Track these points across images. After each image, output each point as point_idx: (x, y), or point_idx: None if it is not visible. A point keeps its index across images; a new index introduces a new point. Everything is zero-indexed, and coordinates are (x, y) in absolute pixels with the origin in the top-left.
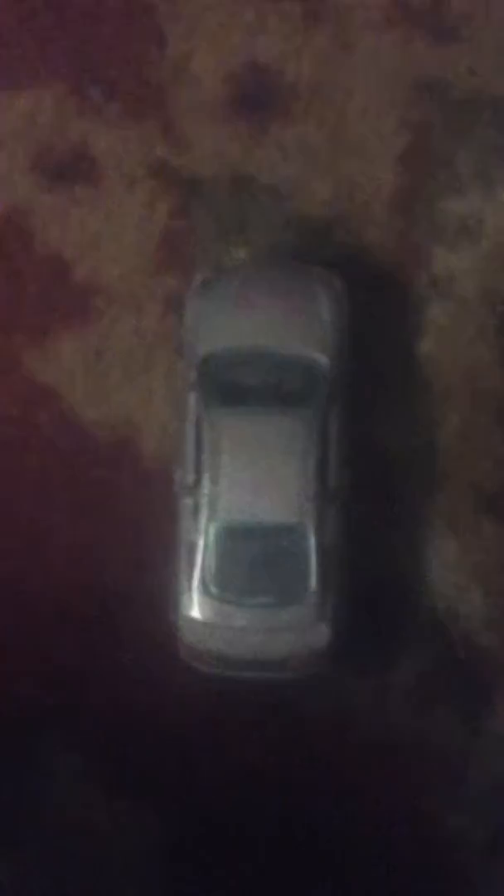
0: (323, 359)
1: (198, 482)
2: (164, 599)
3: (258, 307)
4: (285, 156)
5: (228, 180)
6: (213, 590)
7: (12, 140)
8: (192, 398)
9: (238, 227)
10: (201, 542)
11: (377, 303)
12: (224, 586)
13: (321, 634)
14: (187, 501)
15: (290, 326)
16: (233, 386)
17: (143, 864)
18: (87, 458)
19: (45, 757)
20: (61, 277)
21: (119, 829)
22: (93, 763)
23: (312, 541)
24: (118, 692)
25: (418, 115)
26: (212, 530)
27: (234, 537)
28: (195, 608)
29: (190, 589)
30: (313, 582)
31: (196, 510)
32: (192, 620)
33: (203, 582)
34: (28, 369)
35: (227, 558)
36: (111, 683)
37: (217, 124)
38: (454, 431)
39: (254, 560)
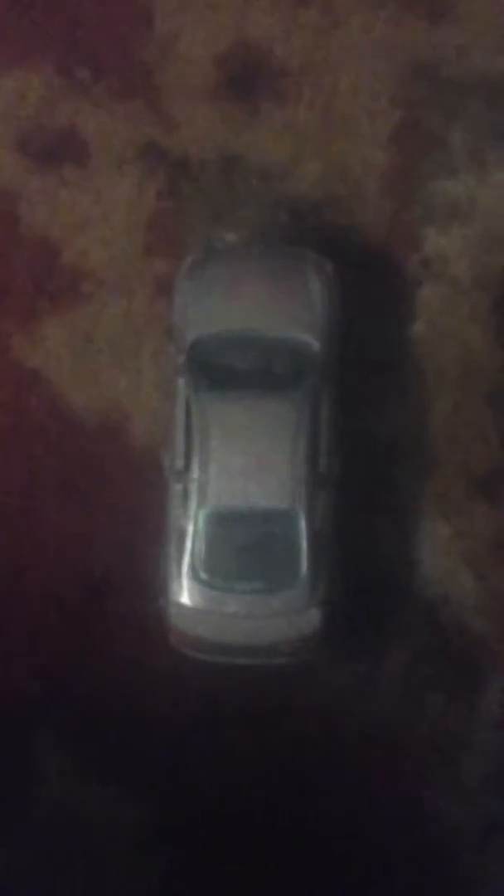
0: (313, 342)
1: (187, 467)
2: (155, 585)
3: (248, 290)
4: (275, 136)
5: (218, 161)
6: (203, 576)
7: None
8: (181, 382)
9: (228, 208)
10: (191, 528)
11: (368, 285)
12: (214, 572)
13: (312, 620)
14: (177, 487)
15: (281, 309)
16: (222, 370)
17: (136, 853)
18: (77, 442)
19: (36, 746)
20: (49, 260)
21: (111, 818)
22: (84, 751)
23: (303, 526)
24: (109, 679)
25: (410, 95)
26: (201, 516)
27: (224, 523)
28: (185, 594)
29: (180, 575)
30: (304, 567)
31: (186, 495)
32: (183, 606)
33: (193, 568)
34: (16, 354)
35: (217, 544)
36: (101, 670)
37: (206, 104)
38: (446, 414)
39: (244, 545)
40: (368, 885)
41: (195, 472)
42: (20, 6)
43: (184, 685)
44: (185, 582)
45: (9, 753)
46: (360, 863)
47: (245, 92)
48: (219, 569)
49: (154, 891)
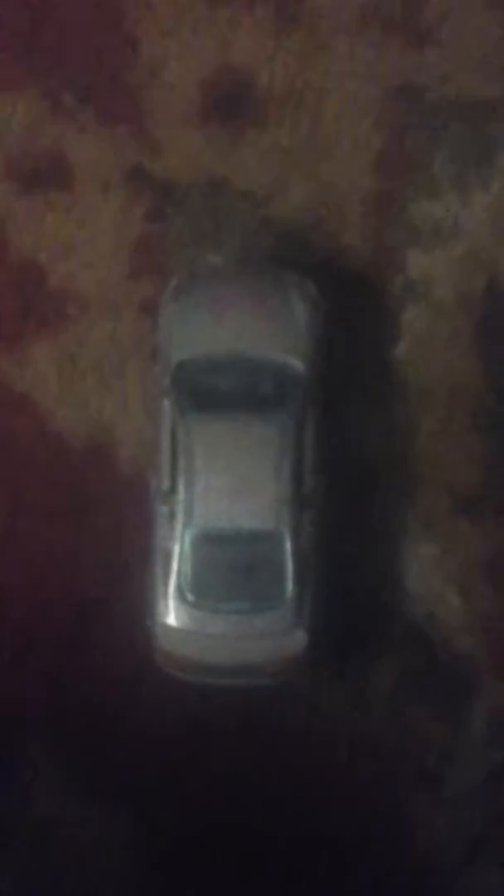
0: (298, 364)
1: (173, 488)
2: (141, 606)
3: (233, 312)
4: (260, 160)
5: (203, 185)
6: (189, 596)
7: None
8: (166, 404)
9: (213, 231)
10: (177, 549)
11: (353, 307)
12: (200, 593)
13: (298, 640)
14: (163, 508)
15: (265, 332)
16: (207, 391)
17: (124, 870)
18: (63, 464)
19: (23, 763)
20: (36, 284)
21: (99, 835)
22: (71, 769)
23: (288, 546)
24: (95, 699)
25: (394, 119)
26: (187, 537)
27: (210, 544)
28: (171, 615)
29: (166, 596)
30: (290, 587)
31: (172, 516)
32: (169, 627)
33: (179, 589)
34: (3, 376)
35: (203, 565)
36: (88, 690)
37: (192, 129)
38: (430, 435)
39: (230, 566)
40: None
41: (181, 494)
42: (4, 31)
43: (171, 705)
44: (172, 603)
45: None
46: (346, 878)
47: (230, 116)
48: (205, 590)
49: None
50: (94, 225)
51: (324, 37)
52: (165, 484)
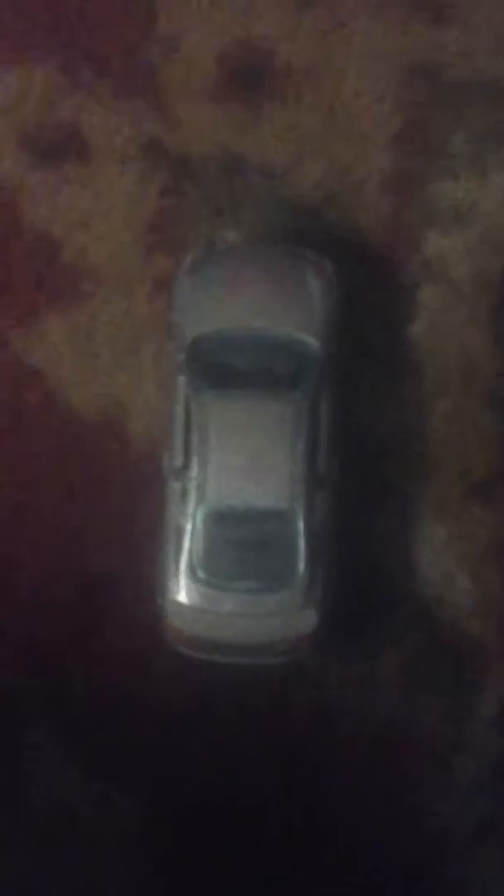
0: (313, 342)
1: (186, 466)
2: (151, 583)
3: (248, 289)
4: (277, 136)
5: (220, 160)
6: (201, 574)
7: (1, 118)
8: (180, 381)
9: (229, 207)
10: (189, 526)
11: (368, 286)
12: (211, 570)
13: (308, 620)
14: (175, 485)
15: (281, 309)
16: (222, 369)
17: (129, 849)
18: (75, 440)
19: (29, 742)
20: (50, 257)
21: (104, 814)
22: (78, 748)
23: (301, 525)
24: (104, 676)
25: (412, 97)
26: (199, 514)
27: (222, 521)
28: (182, 592)
29: (177, 573)
30: (301, 567)
31: (184, 494)
32: (179, 605)
33: (190, 566)
34: (15, 351)
35: (215, 542)
36: (97, 668)
37: (209, 104)
38: (444, 416)
39: (241, 544)
40: (360, 884)
41: (194, 471)
42: (23, 4)
43: (179, 683)
44: (183, 580)
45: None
46: (351, 861)
47: (248, 92)
48: (216, 567)
49: (146, 886)
50: (109, 198)
51: (343, 15)
52: (178, 461)
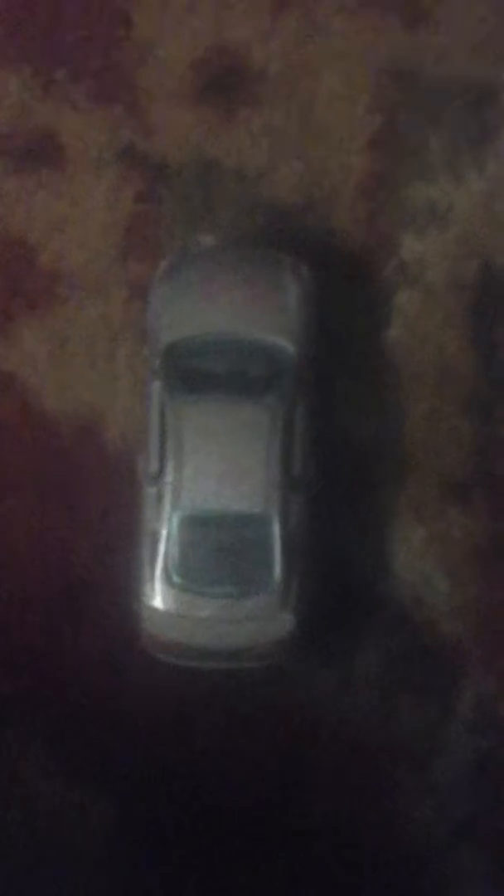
0: (289, 346)
1: (161, 470)
2: (127, 589)
3: (224, 294)
4: (253, 140)
5: (195, 165)
6: (176, 579)
7: None
8: (156, 386)
9: (205, 212)
10: (164, 531)
11: (345, 289)
12: (187, 576)
13: (285, 624)
14: (151, 490)
15: (256, 313)
16: (197, 373)
17: (110, 855)
18: (51, 445)
19: (10, 746)
20: (26, 263)
21: (85, 819)
22: (55, 752)
23: (277, 530)
24: (81, 682)
25: (388, 100)
26: (175, 519)
27: (198, 526)
28: (158, 598)
29: (153, 578)
30: (277, 571)
31: (160, 499)
32: (155, 610)
33: (166, 571)
34: None
35: (191, 548)
36: (74, 673)
37: (184, 108)
38: (421, 419)
39: (217, 549)
40: (340, 885)
41: (169, 476)
42: None
43: (157, 688)
44: (158, 585)
45: None
46: (330, 864)
47: (223, 96)
48: (192, 572)
49: (126, 892)
50: (85, 204)
51: (318, 18)
52: (153, 466)
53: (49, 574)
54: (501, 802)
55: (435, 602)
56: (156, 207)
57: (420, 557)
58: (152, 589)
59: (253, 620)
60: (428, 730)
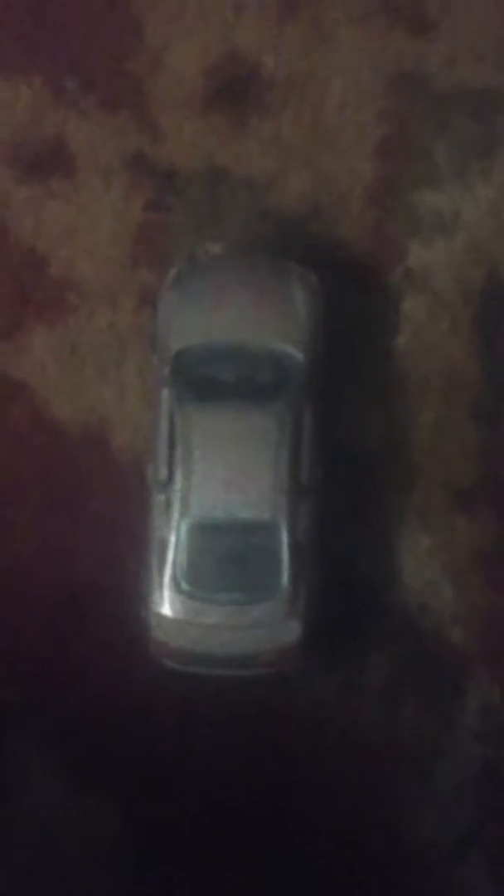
0: (297, 353)
1: (170, 478)
2: (135, 596)
3: (232, 301)
4: (262, 148)
5: (205, 173)
6: (185, 586)
7: None
8: (164, 393)
9: (214, 220)
10: (173, 538)
11: (352, 296)
12: (195, 583)
13: (292, 631)
14: (159, 497)
15: (264, 321)
16: (206, 381)
17: (112, 860)
18: (60, 453)
19: (13, 754)
20: (35, 271)
21: (90, 827)
22: (61, 760)
23: (285, 537)
24: (88, 689)
25: (397, 108)
26: (183, 526)
27: (206, 533)
28: (166, 605)
29: (161, 585)
30: (285, 578)
31: (168, 506)
32: (163, 617)
33: (174, 578)
34: (0, 364)
35: (199, 554)
36: (81, 680)
37: (194, 117)
38: (428, 426)
39: (225, 556)
40: (343, 891)
41: (178, 483)
42: (8, 16)
43: (163, 695)
44: (166, 592)
45: None
46: (334, 870)
47: (233, 104)
48: (200, 579)
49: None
50: (94, 212)
51: (327, 26)
52: (162, 473)
53: (56, 581)
54: None
55: (441, 609)
56: (165, 216)
57: (426, 564)
58: (160, 596)
59: (261, 627)
60: (433, 737)
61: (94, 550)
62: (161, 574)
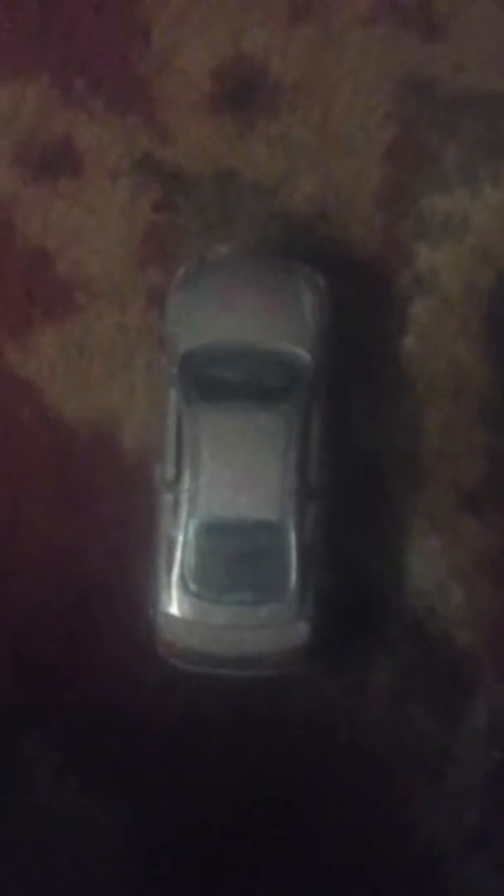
0: (305, 355)
1: (178, 478)
2: (143, 596)
3: (240, 302)
4: (270, 151)
5: (213, 175)
6: (193, 587)
7: None
8: (172, 394)
9: (222, 221)
10: (181, 539)
11: (360, 299)
12: (203, 583)
13: (300, 632)
14: (167, 497)
15: (273, 322)
16: (214, 381)
17: (121, 861)
18: (68, 453)
19: (21, 753)
20: (43, 271)
21: (97, 826)
22: (70, 759)
23: (293, 538)
24: (96, 688)
25: (405, 111)
26: (191, 526)
27: (214, 534)
28: (174, 605)
29: (169, 585)
30: (293, 579)
31: (176, 506)
32: (171, 617)
33: (182, 578)
34: (9, 364)
35: (207, 555)
36: (89, 680)
37: (202, 118)
38: (436, 429)
39: (233, 557)
40: (350, 893)
41: (185, 483)
42: (17, 17)
43: (171, 695)
44: (174, 593)
45: None
46: (341, 873)
47: (240, 106)
48: (208, 580)
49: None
50: (102, 213)
51: (336, 28)
52: (170, 473)
53: (64, 581)
54: None
55: (448, 611)
56: (173, 216)
57: (434, 566)
58: (168, 596)
59: (268, 628)
60: (441, 739)
61: (102, 550)
62: (169, 574)
